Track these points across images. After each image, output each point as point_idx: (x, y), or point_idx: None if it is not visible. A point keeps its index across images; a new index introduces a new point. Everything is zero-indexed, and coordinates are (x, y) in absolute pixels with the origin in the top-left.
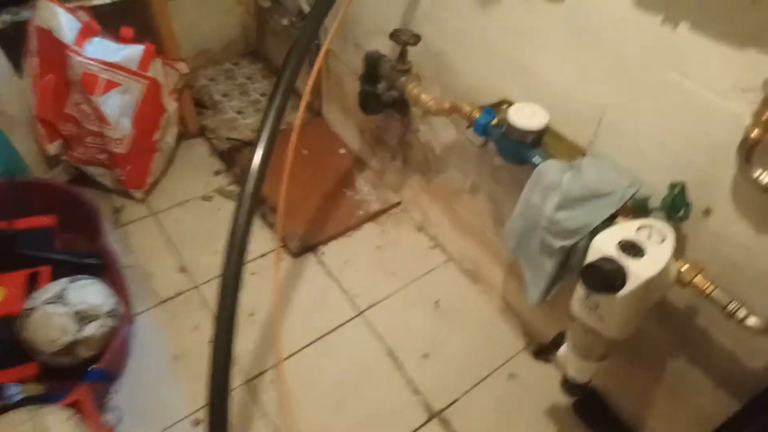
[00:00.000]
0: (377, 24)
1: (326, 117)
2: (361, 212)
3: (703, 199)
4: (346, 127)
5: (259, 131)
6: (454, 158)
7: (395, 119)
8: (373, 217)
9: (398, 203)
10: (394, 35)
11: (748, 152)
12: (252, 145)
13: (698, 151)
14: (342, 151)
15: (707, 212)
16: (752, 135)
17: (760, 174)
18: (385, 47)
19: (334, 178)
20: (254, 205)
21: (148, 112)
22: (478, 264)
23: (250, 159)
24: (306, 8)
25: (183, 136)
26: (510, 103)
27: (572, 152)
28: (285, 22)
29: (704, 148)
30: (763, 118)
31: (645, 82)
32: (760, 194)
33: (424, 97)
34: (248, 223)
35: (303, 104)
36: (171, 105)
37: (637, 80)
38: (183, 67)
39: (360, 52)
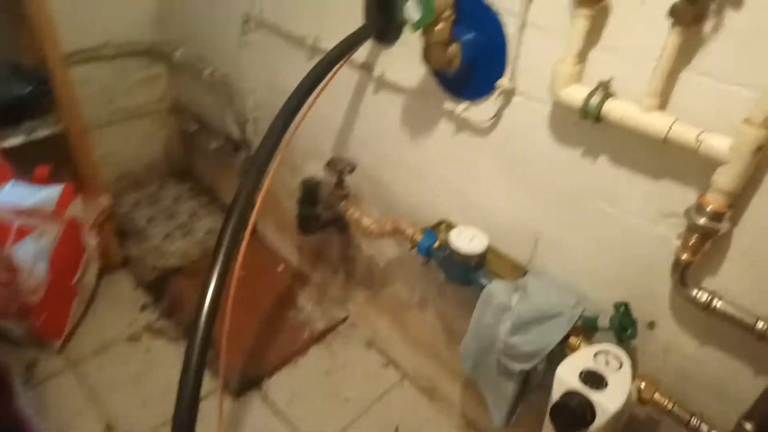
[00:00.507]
0: (314, 148)
1: (262, 233)
2: (305, 334)
3: (647, 312)
4: (284, 242)
5: (201, 300)
6: (399, 272)
7: (335, 234)
8: (319, 337)
9: (345, 319)
10: (330, 165)
11: (682, 275)
12: (182, 271)
13: (634, 270)
14: (280, 267)
15: (652, 325)
16: (683, 258)
17: (697, 293)
18: (322, 168)
19: (274, 299)
20: (202, 373)
21: (67, 255)
22: (434, 380)
23: (195, 326)
24: (235, 134)
25: (105, 270)
26: (449, 224)
27: (514, 270)
28: (213, 145)
29: (640, 267)
30: (690, 243)
31: (575, 209)
32: (699, 310)
33: (365, 221)
34: (196, 399)
35: (246, 236)
36: (91, 241)
37: (568, 206)
38: (105, 200)
39: (296, 173)
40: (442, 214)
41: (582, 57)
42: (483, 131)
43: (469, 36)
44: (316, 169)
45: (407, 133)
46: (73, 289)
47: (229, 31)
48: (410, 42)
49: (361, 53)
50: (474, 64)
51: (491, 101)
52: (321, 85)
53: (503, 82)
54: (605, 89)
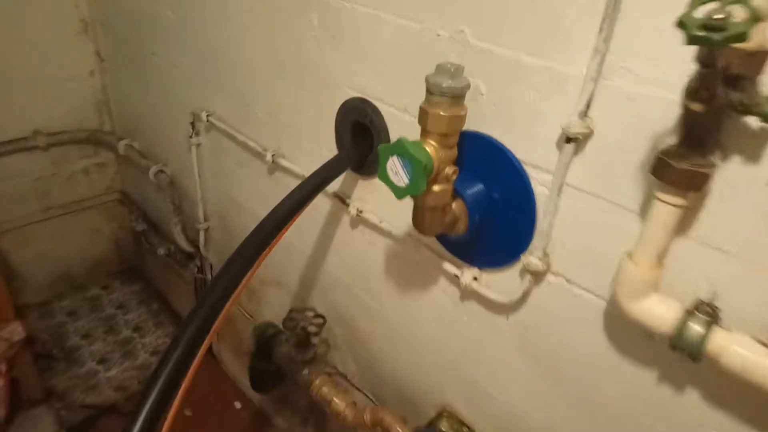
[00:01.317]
0: (276, 275)
1: (218, 356)
2: None
3: None
4: (243, 370)
5: None
6: None
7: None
8: None
9: None
10: (290, 321)
11: None
12: (115, 411)
13: None
14: (238, 405)
15: None
16: None
17: None
18: (284, 304)
19: None
20: None
21: None
22: None
23: None
24: (184, 245)
25: (20, 406)
26: (451, 414)
27: None
28: (162, 251)
29: None
30: None
31: None
32: None
33: (336, 404)
34: None
35: (195, 364)
36: None
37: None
38: (17, 331)
39: (254, 298)
40: (442, 397)
41: (663, 256)
42: (501, 308)
43: (478, 190)
44: (276, 299)
45: (391, 283)
46: None
47: (176, 129)
48: None
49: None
50: (487, 225)
51: (513, 274)
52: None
53: (531, 258)
54: (710, 314)
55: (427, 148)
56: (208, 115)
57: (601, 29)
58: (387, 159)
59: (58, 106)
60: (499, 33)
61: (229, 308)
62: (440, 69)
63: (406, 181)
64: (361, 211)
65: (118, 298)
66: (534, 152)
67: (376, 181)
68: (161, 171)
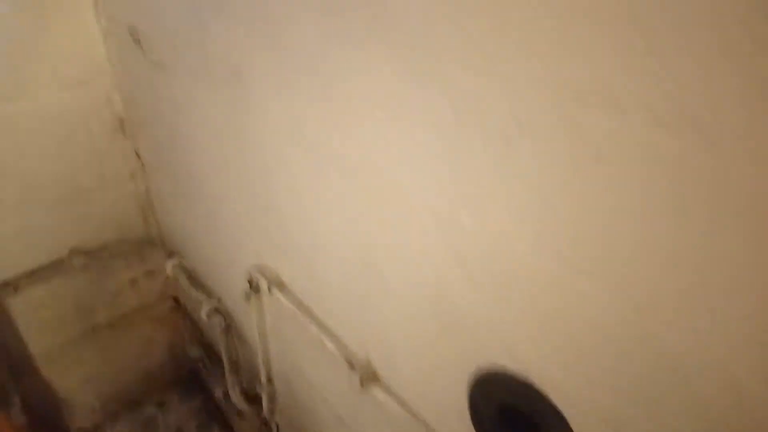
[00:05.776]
0: None
1: None
2: None
3: None
4: None
5: None
6: None
7: None
8: None
9: None
10: None
11: None
12: None
13: None
14: None
15: None
16: None
17: None
18: None
19: None
20: None
21: None
22: None
23: None
24: (243, 407)
25: None
26: None
27: None
28: (219, 393)
29: None
30: None
31: None
32: None
33: None
34: None
35: None
36: None
37: None
38: None
39: None
40: None
41: None
42: None
43: None
44: None
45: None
46: None
47: (231, 268)
48: None
49: None
50: None
51: None
52: None
53: None
54: None
55: None
56: (269, 285)
57: None
58: None
59: (95, 218)
60: None
61: None
62: None
63: None
64: None
65: (174, 421)
66: None
67: None
68: (216, 310)
